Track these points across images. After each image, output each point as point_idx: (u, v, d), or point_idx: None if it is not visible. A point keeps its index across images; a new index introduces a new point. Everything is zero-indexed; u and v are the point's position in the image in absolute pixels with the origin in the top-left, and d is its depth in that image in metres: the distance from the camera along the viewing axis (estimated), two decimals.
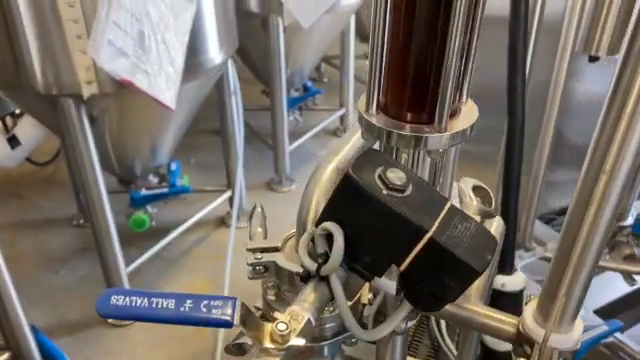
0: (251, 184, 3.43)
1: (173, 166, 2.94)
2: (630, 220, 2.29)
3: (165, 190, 2.83)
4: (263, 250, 0.83)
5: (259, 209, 0.90)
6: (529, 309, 0.77)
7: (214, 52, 2.54)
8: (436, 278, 0.51)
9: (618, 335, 2.31)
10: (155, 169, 2.90)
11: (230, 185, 3.16)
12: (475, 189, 0.80)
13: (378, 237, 0.53)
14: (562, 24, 1.82)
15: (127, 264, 2.66)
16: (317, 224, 0.57)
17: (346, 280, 0.57)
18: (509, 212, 1.57)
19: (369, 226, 0.53)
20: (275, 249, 0.84)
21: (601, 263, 2.23)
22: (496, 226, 0.82)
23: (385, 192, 0.50)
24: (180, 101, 2.26)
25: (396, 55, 0.65)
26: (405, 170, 0.53)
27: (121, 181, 2.88)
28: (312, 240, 0.59)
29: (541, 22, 1.75)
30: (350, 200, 0.52)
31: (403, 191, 0.50)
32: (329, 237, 0.56)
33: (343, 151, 0.88)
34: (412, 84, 0.66)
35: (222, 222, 3.24)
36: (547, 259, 2.24)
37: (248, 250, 0.85)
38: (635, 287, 2.41)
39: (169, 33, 2.10)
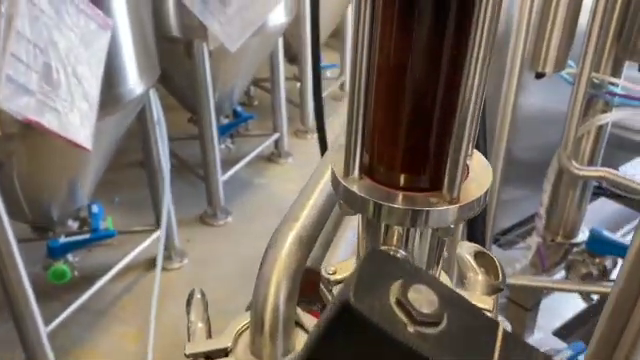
0: (183, 219, 3.18)
1: (95, 208, 2.66)
2: (581, 237, 2.23)
3: (87, 236, 2.55)
4: (208, 356, 0.63)
5: (199, 295, 0.70)
6: None
7: (134, 82, 2.32)
8: None
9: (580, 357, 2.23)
10: (74, 213, 2.61)
11: (158, 223, 2.91)
12: (477, 256, 0.64)
13: None
14: (509, 41, 1.73)
15: (49, 321, 2.36)
16: None
17: None
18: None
19: None
20: (224, 352, 0.64)
21: (560, 285, 2.15)
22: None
23: (412, 329, 0.32)
24: (98, 138, 2.03)
25: (385, 97, 0.48)
26: (433, 283, 0.35)
27: (35, 229, 2.57)
28: None
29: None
30: (353, 342, 0.33)
31: (437, 323, 0.32)
32: None
33: (304, 213, 0.70)
34: (408, 136, 0.49)
35: (153, 264, 2.97)
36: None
37: (188, 357, 0.64)
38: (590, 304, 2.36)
39: (81, 64, 1.86)
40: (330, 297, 0.61)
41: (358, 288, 0.33)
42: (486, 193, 0.50)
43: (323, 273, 0.62)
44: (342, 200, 0.52)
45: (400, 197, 0.49)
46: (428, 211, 0.48)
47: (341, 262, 0.63)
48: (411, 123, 0.48)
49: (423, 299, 0.33)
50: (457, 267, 0.64)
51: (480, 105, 0.45)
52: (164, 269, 2.92)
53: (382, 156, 0.51)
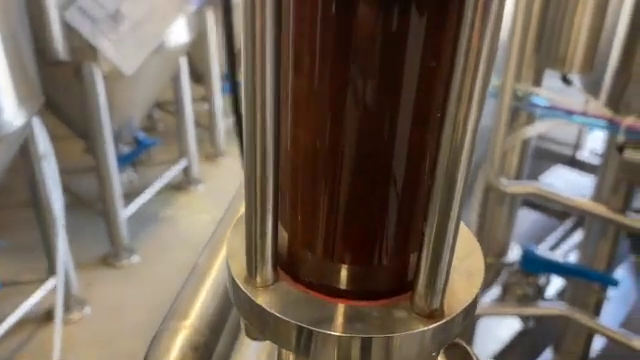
0: (82, 262, 2.84)
1: None
2: (511, 255, 2.14)
3: None
4: None
5: None
6: None
7: (11, 113, 2.01)
8: None
9: None
10: None
11: (52, 270, 2.56)
12: (447, 350, 0.45)
13: None
14: None
15: None
16: None
17: None
18: None
19: None
20: None
21: (498, 309, 2.03)
22: None
23: None
24: None
25: (310, 144, 0.28)
26: None
27: None
28: None
29: None
30: None
31: None
32: None
33: (197, 306, 0.49)
34: (352, 206, 0.29)
35: (48, 317, 2.62)
36: None
37: None
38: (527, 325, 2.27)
39: None
40: None
41: None
42: (479, 293, 0.31)
43: None
44: (245, 319, 0.31)
45: (341, 313, 0.29)
46: (390, 338, 0.28)
47: None
48: (356, 184, 0.28)
49: None
50: None
51: (472, 161, 0.26)
52: (62, 322, 2.57)
53: (310, 239, 0.30)
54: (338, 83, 0.26)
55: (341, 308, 0.29)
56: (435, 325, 0.28)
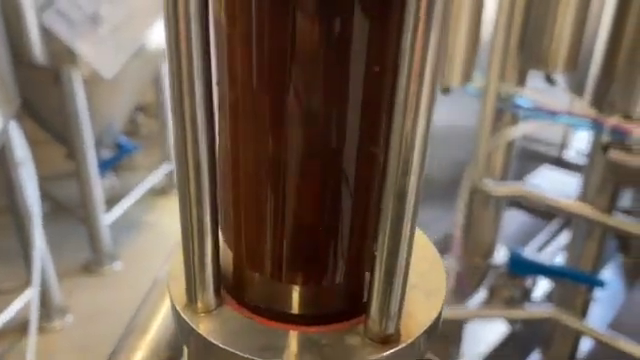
0: (64, 270, 2.79)
1: None
2: (497, 256, 2.13)
3: None
4: None
5: None
6: None
7: None
8: None
9: None
10: None
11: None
12: None
13: None
14: None
15: None
16: None
17: None
18: None
19: None
20: None
21: (485, 312, 2.02)
22: None
23: None
24: None
25: (253, 150, 0.26)
26: None
27: None
28: None
29: None
30: None
31: None
32: None
33: (158, 320, 0.46)
34: (300, 219, 0.26)
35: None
36: None
37: None
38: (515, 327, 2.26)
39: None
40: None
41: None
42: (440, 313, 0.28)
43: None
44: (187, 347, 0.28)
45: (289, 342, 0.26)
46: None
47: None
48: (302, 197, 0.26)
49: None
50: None
51: (424, 170, 0.23)
52: (43, 330, 2.52)
53: (256, 257, 0.28)
54: (277, 92, 0.23)
55: (289, 336, 0.27)
56: (390, 352, 0.25)
